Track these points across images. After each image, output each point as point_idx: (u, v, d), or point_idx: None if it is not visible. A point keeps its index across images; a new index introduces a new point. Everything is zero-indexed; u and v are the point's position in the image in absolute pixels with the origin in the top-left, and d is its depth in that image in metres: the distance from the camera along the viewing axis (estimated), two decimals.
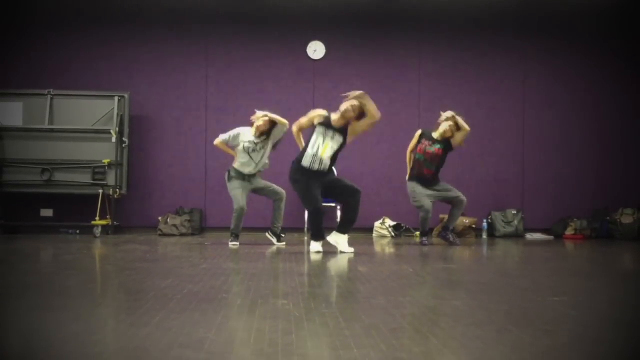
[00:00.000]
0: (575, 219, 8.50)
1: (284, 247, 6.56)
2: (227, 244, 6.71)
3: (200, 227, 8.46)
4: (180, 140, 8.59)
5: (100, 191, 7.88)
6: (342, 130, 5.83)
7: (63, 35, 8.62)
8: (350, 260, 5.36)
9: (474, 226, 8.32)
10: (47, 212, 8.42)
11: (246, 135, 6.71)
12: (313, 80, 8.78)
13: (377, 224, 8.36)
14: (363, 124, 5.83)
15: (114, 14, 8.68)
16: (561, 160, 8.88)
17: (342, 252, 5.81)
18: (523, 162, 8.89)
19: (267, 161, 6.82)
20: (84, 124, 8.08)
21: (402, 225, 8.32)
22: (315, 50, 8.80)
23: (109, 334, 2.62)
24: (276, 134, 6.72)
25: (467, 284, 4.00)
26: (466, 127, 6.92)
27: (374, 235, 8.37)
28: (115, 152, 8.03)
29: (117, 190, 8.03)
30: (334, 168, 6.07)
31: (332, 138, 5.78)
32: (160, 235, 8.06)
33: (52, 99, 8.09)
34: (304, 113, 8.55)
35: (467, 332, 2.57)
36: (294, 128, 6.13)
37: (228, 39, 8.76)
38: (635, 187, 8.78)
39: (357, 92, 5.76)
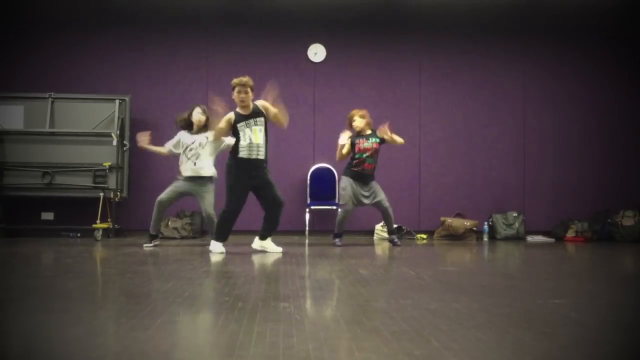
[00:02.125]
0: (576, 221, 8.50)
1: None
2: (229, 247, 6.71)
3: (201, 230, 8.47)
4: None
5: (101, 194, 7.89)
6: (256, 112, 6.02)
7: (64, 39, 8.63)
8: (350, 263, 5.36)
9: (474, 228, 8.32)
10: (47, 215, 8.43)
11: (185, 136, 6.83)
12: (314, 83, 8.79)
13: (378, 226, 8.36)
14: (272, 117, 6.09)
15: (115, 17, 8.70)
16: (562, 162, 8.88)
17: (269, 252, 6.14)
18: (524, 164, 8.89)
19: (212, 172, 6.76)
20: (84, 127, 8.09)
21: (403, 227, 8.32)
22: (315, 53, 8.81)
23: (110, 337, 2.63)
24: (217, 143, 6.75)
25: (467, 286, 4.00)
26: (401, 140, 7.08)
27: (374, 237, 8.38)
28: (116, 155, 8.04)
29: (118, 193, 8.03)
30: (269, 170, 6.14)
31: (255, 123, 5.98)
32: (161, 238, 8.06)
33: (53, 102, 8.11)
34: (305, 115, 8.63)
35: (468, 335, 2.57)
36: (214, 137, 6.20)
37: (228, 42, 8.77)
38: (636, 189, 8.78)
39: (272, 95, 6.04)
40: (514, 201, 8.81)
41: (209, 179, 6.73)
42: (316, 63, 8.80)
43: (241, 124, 5.98)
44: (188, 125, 6.89)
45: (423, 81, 8.88)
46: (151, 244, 6.76)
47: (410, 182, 8.65)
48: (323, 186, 8.53)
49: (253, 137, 5.95)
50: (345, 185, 7.03)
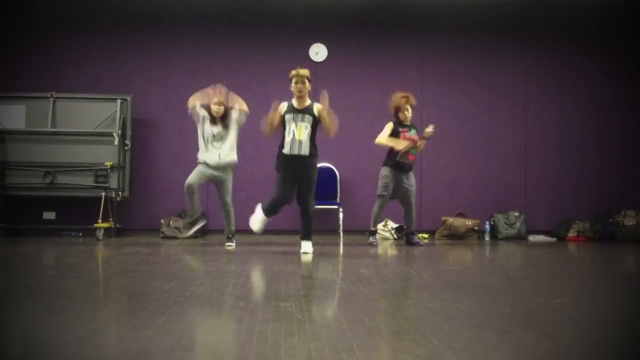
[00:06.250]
0: (577, 221, 8.49)
1: (233, 249, 6.62)
2: (230, 247, 6.72)
3: (202, 230, 8.46)
4: (183, 143, 8.57)
5: (103, 194, 7.90)
6: (308, 110, 6.06)
7: (65, 38, 8.64)
8: (352, 263, 5.36)
9: (476, 228, 8.32)
10: (49, 215, 8.43)
11: (208, 126, 6.80)
12: (315, 83, 8.76)
13: (380, 226, 8.34)
14: (323, 121, 6.10)
15: (116, 16, 8.70)
16: (563, 162, 8.87)
17: (303, 253, 6.02)
18: (525, 164, 8.89)
19: (234, 157, 6.82)
20: (86, 127, 8.10)
21: (404, 227, 8.31)
22: (317, 53, 8.81)
23: (112, 336, 2.63)
24: (237, 120, 6.82)
25: (469, 286, 4.00)
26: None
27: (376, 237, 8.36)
28: (117, 154, 8.04)
29: (120, 192, 8.04)
30: (315, 167, 6.14)
31: (302, 120, 6.01)
32: (162, 237, 8.07)
33: (54, 101, 8.11)
34: None
35: (469, 335, 2.57)
36: (267, 129, 6.15)
37: (230, 41, 8.77)
38: (638, 188, 8.77)
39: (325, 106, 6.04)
40: (515, 201, 8.80)
41: (230, 164, 6.82)
42: (317, 62, 8.79)
43: (289, 115, 6.02)
44: (212, 118, 6.83)
45: (424, 80, 8.87)
46: (196, 227, 6.82)
47: None
48: (324, 186, 8.52)
49: (297, 133, 5.98)
50: (386, 174, 6.98)
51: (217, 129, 6.78)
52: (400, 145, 6.89)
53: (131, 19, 8.72)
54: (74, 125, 8.10)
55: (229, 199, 6.83)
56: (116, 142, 8.03)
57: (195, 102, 6.87)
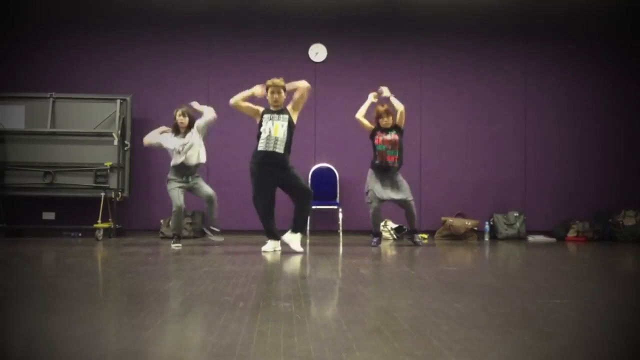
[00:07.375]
0: (577, 221, 8.49)
1: (222, 240, 6.76)
2: (230, 247, 6.72)
3: (201, 230, 8.46)
4: None
5: (102, 194, 7.89)
6: (284, 110, 6.18)
7: (65, 38, 8.63)
8: (351, 263, 5.36)
9: (475, 228, 8.32)
10: (49, 215, 8.42)
11: (169, 140, 6.83)
12: (315, 83, 8.76)
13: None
14: (296, 96, 6.25)
15: (116, 16, 8.70)
16: (563, 162, 8.87)
17: (294, 251, 6.07)
18: (525, 164, 8.89)
19: (203, 160, 6.91)
20: (85, 127, 8.09)
21: (404, 227, 8.30)
22: (317, 53, 8.81)
23: (111, 336, 2.63)
24: (202, 129, 6.88)
25: (468, 286, 4.00)
26: (399, 106, 7.07)
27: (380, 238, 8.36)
28: (117, 154, 8.04)
29: (119, 193, 8.04)
30: (292, 166, 6.17)
31: (279, 119, 6.11)
32: (162, 237, 8.06)
33: (54, 102, 8.11)
34: (306, 114, 8.61)
35: (469, 335, 2.57)
36: (238, 97, 6.30)
37: (229, 42, 8.77)
38: (638, 188, 8.76)
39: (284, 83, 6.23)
40: (515, 201, 8.80)
41: (196, 167, 6.85)
42: (317, 63, 8.80)
43: (267, 115, 6.13)
44: (176, 129, 6.86)
45: (424, 80, 8.87)
46: (179, 244, 6.73)
47: (411, 182, 8.63)
48: (324, 186, 8.53)
49: (273, 130, 6.04)
50: (368, 182, 7.01)
51: (181, 140, 6.77)
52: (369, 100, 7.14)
53: (130, 19, 8.71)
54: (73, 126, 8.10)
55: (210, 190, 6.86)
56: (116, 142, 8.03)
57: (150, 140, 6.98)
